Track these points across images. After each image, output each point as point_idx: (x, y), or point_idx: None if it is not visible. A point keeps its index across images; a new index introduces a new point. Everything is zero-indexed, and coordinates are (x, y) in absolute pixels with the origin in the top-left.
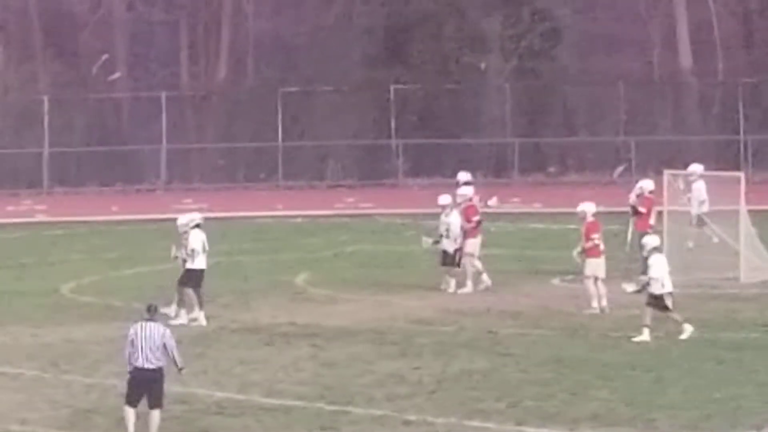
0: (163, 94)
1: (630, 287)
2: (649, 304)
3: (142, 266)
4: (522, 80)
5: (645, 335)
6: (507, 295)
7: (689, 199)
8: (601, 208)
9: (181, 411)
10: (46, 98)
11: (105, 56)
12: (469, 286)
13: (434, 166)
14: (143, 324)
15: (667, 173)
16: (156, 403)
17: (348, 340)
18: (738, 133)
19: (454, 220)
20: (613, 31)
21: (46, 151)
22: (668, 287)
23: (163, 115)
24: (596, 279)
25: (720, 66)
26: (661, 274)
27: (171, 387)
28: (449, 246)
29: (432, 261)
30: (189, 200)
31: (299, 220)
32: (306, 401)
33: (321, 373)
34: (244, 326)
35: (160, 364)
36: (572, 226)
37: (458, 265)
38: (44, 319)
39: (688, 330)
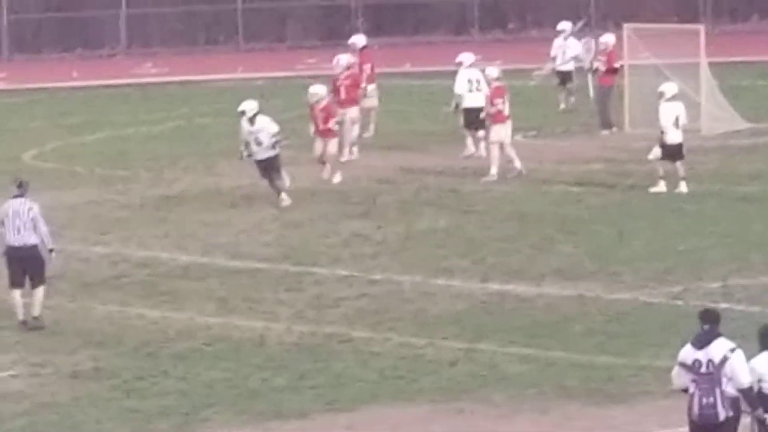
0: None
1: (653, 154)
2: (664, 156)
3: (103, 131)
4: None
5: (661, 186)
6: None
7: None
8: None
9: (144, 275)
10: None
11: None
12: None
13: (394, 25)
14: (12, 201)
15: (626, 27)
16: (37, 280)
17: (311, 201)
18: None
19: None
20: None
21: (4, 17)
22: (679, 137)
23: None
24: (502, 144)
25: None
26: (666, 123)
27: (136, 251)
28: (476, 101)
29: (394, 121)
30: (149, 65)
31: (260, 82)
32: (271, 263)
33: (285, 234)
34: (207, 189)
35: (33, 240)
36: (533, 83)
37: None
38: (6, 187)
39: (683, 186)
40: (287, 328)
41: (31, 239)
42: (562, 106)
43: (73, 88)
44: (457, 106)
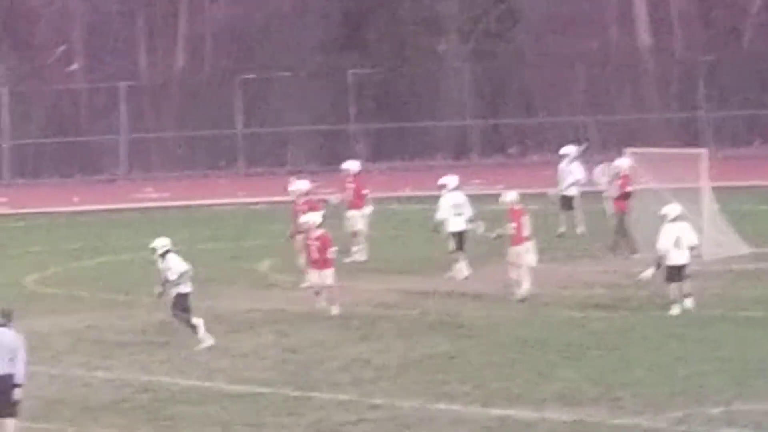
0: (122, 84)
1: (647, 273)
2: (668, 278)
3: (104, 256)
4: (480, 62)
5: (676, 309)
6: (470, 277)
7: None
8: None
9: (146, 400)
10: (4, 90)
11: (62, 47)
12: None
13: (394, 150)
14: None
15: (627, 151)
16: (8, 411)
17: (311, 326)
18: (697, 110)
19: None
20: (570, 10)
21: (5, 143)
22: (682, 258)
23: (122, 105)
24: (520, 266)
25: (678, 44)
26: (667, 245)
27: (138, 375)
28: (461, 225)
29: (392, 245)
30: (150, 189)
31: (258, 207)
32: (272, 387)
33: (285, 359)
34: (208, 314)
35: (7, 370)
36: (535, 206)
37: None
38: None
39: (676, 309)
40: None
41: (6, 369)
42: (561, 229)
43: (74, 213)
44: (437, 229)
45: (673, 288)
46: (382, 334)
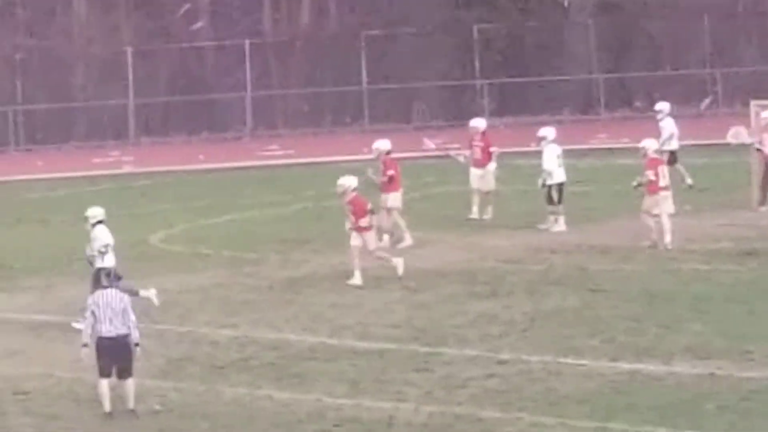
0: (247, 42)
1: None
2: None
3: (230, 214)
4: (605, 16)
5: None
6: (596, 231)
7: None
8: (689, 141)
9: (274, 357)
10: (129, 49)
11: (187, 5)
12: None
13: (520, 105)
14: (102, 292)
15: (753, 104)
16: (125, 373)
17: (439, 282)
18: None
19: (544, 155)
20: None
21: (131, 102)
22: None
23: (247, 63)
24: (655, 215)
25: None
26: None
27: (265, 333)
28: (563, 176)
29: (518, 201)
30: (275, 146)
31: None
32: (399, 343)
33: (413, 315)
34: (335, 270)
35: (124, 331)
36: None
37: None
38: (135, 270)
39: None
40: (416, 409)
41: (122, 330)
42: (689, 181)
43: (200, 171)
44: (544, 182)
45: None
46: (509, 290)
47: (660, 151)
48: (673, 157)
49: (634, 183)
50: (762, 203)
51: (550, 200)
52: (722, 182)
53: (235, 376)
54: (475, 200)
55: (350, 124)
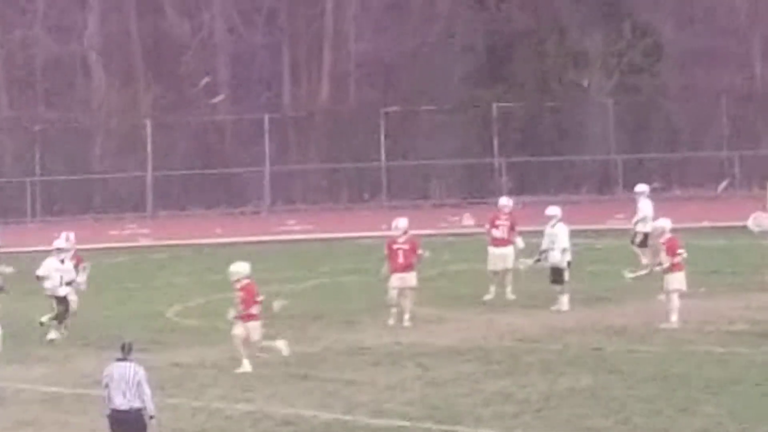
0: (266, 116)
1: None
2: None
3: None
4: (624, 96)
5: None
6: (613, 312)
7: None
8: (706, 224)
9: None
10: (148, 122)
11: (207, 78)
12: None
13: (538, 183)
14: (116, 364)
15: None
16: None
17: (454, 359)
18: None
19: (560, 231)
20: (714, 44)
21: (149, 174)
22: None
23: (266, 137)
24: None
25: None
26: None
27: (279, 408)
28: (556, 258)
29: (534, 278)
30: (293, 221)
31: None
32: (413, 421)
33: (428, 392)
34: (350, 347)
35: (138, 404)
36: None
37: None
38: (150, 343)
39: None
40: None
41: (136, 403)
42: (644, 261)
43: (217, 245)
44: (538, 260)
45: None
46: (524, 369)
47: (633, 232)
48: (644, 240)
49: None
50: None
51: (560, 279)
52: (739, 265)
53: None
54: (500, 280)
55: (368, 200)
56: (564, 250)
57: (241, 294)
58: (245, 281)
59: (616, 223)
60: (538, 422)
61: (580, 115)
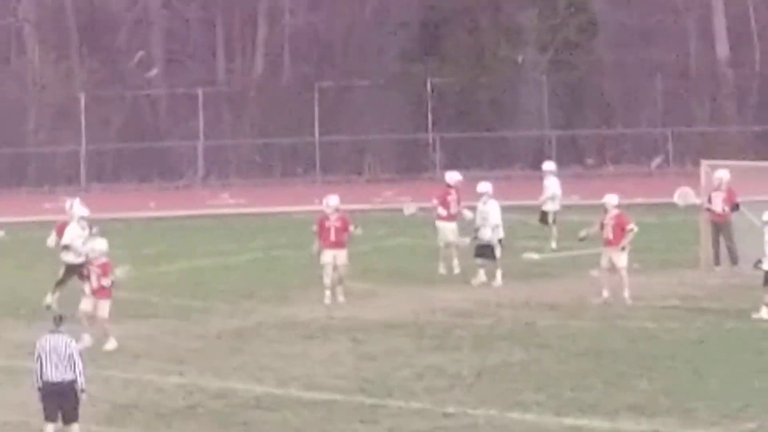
0: (200, 91)
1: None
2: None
3: (180, 262)
4: (558, 73)
5: (764, 313)
6: (545, 287)
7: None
8: (639, 200)
9: (220, 406)
10: (82, 96)
11: (141, 53)
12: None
13: (472, 159)
14: (48, 336)
15: (704, 163)
16: (71, 416)
17: (387, 334)
18: None
19: (491, 208)
20: (649, 21)
21: (83, 148)
22: None
23: (200, 112)
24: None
25: (757, 56)
26: None
27: (212, 382)
28: (486, 235)
29: (468, 255)
30: (226, 195)
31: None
32: (345, 395)
33: (360, 366)
34: (283, 321)
35: (70, 376)
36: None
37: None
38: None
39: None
40: None
41: (68, 375)
42: (552, 245)
43: (151, 218)
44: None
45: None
46: (457, 343)
47: (542, 210)
48: (550, 218)
49: (582, 234)
50: (716, 262)
51: (486, 254)
52: (671, 241)
53: (181, 424)
54: (449, 254)
55: (302, 174)
56: (495, 227)
57: (97, 270)
58: (103, 259)
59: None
60: (470, 396)
61: (515, 91)
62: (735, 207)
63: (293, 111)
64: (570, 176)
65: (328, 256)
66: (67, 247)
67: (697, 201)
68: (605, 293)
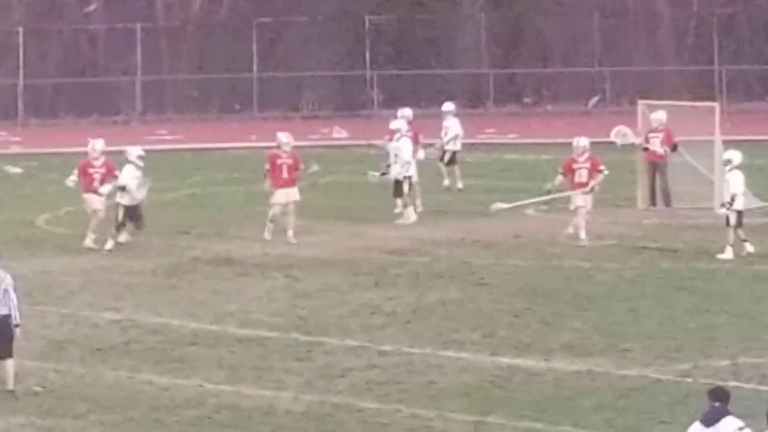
0: (138, 26)
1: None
2: (738, 223)
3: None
4: (496, 10)
5: (728, 253)
6: (481, 226)
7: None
8: (575, 138)
9: (155, 342)
10: (21, 29)
11: None
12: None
13: (409, 97)
14: None
15: (641, 103)
16: (5, 353)
17: (322, 271)
18: (712, 63)
19: (403, 145)
20: None
21: (21, 82)
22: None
23: (138, 47)
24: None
25: None
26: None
27: (147, 318)
28: (397, 173)
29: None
30: (163, 131)
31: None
32: (280, 332)
33: (295, 303)
34: (218, 257)
35: (4, 311)
36: (546, 157)
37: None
38: (19, 251)
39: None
40: (295, 398)
41: (3, 310)
42: (446, 182)
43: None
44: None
45: (740, 232)
46: (392, 281)
47: (442, 151)
48: (453, 158)
49: (547, 186)
50: (653, 203)
51: (401, 192)
52: (607, 180)
53: (116, 360)
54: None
55: (239, 111)
56: (405, 164)
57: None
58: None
59: (486, 138)
60: (405, 334)
61: (452, 29)
62: (674, 147)
63: (231, 47)
64: (508, 114)
65: (280, 196)
66: (123, 188)
67: (635, 140)
68: (583, 234)
